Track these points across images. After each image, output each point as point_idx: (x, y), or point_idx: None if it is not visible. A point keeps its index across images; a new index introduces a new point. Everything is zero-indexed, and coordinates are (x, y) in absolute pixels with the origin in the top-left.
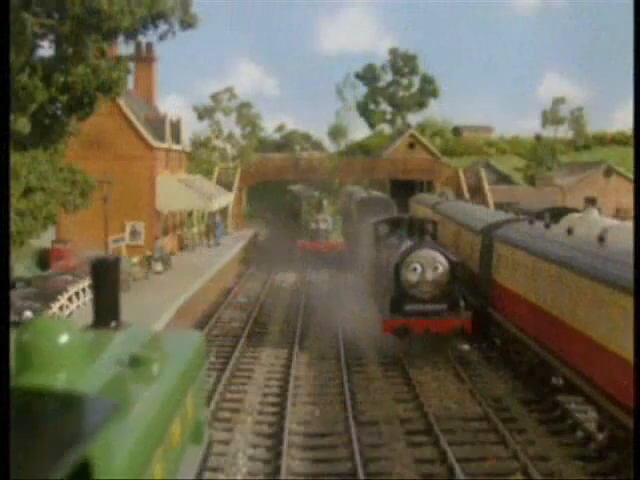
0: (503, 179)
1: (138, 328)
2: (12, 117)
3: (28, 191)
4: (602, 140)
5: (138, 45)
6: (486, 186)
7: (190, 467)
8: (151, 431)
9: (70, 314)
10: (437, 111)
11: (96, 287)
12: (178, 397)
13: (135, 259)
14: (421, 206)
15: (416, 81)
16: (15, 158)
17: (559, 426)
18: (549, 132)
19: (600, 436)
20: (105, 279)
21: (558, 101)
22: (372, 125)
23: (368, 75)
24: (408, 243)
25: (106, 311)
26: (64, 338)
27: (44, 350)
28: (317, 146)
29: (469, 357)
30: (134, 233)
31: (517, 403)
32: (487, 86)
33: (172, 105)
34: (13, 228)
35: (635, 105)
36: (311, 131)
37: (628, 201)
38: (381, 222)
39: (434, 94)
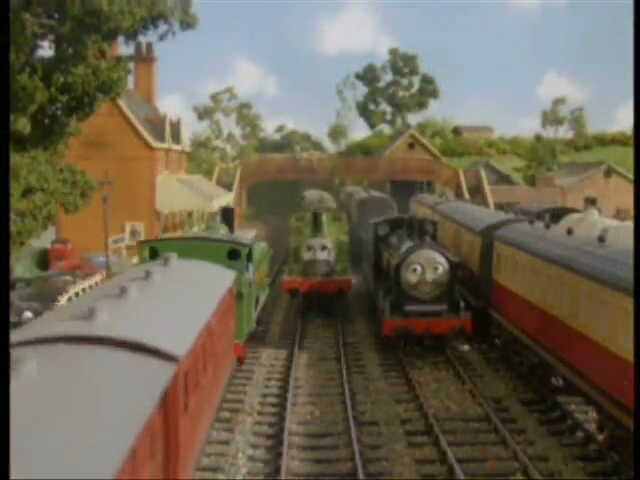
0: (503, 179)
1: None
2: (12, 117)
3: (28, 191)
4: (602, 140)
5: (138, 45)
6: (486, 186)
7: (260, 301)
8: (259, 256)
9: None
10: (437, 111)
11: (225, 219)
12: (261, 258)
13: (135, 259)
14: (421, 206)
15: (416, 81)
16: (15, 158)
17: (559, 426)
18: (549, 132)
19: (600, 436)
20: (228, 216)
21: (558, 101)
22: (372, 125)
23: (368, 75)
24: (408, 243)
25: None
26: (223, 230)
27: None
28: (317, 146)
29: (469, 357)
30: (134, 233)
31: (517, 403)
32: (487, 86)
33: (172, 105)
34: (13, 228)
35: (635, 105)
36: (311, 131)
37: (628, 201)
38: (381, 222)
39: (434, 94)
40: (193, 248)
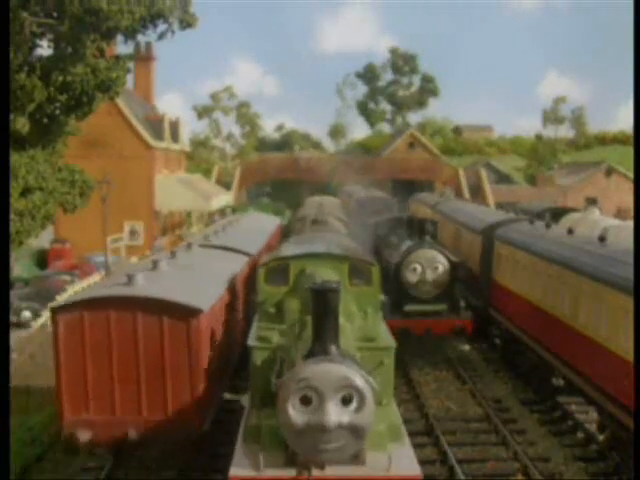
0: (503, 179)
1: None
2: (11, 117)
3: (26, 191)
4: (603, 139)
5: (137, 44)
6: (486, 186)
7: None
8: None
9: None
10: (437, 110)
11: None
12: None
13: (134, 259)
14: (421, 206)
15: (416, 80)
16: (13, 158)
17: (560, 427)
18: (550, 131)
19: (601, 437)
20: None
21: (559, 100)
22: (372, 124)
23: (368, 74)
24: (408, 243)
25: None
26: (266, 201)
27: None
28: (317, 145)
29: (469, 357)
30: (133, 233)
31: (518, 404)
32: (487, 85)
33: (171, 104)
34: (12, 228)
35: (635, 104)
36: (311, 130)
37: (629, 201)
38: (381, 222)
39: (434, 93)
40: (256, 208)
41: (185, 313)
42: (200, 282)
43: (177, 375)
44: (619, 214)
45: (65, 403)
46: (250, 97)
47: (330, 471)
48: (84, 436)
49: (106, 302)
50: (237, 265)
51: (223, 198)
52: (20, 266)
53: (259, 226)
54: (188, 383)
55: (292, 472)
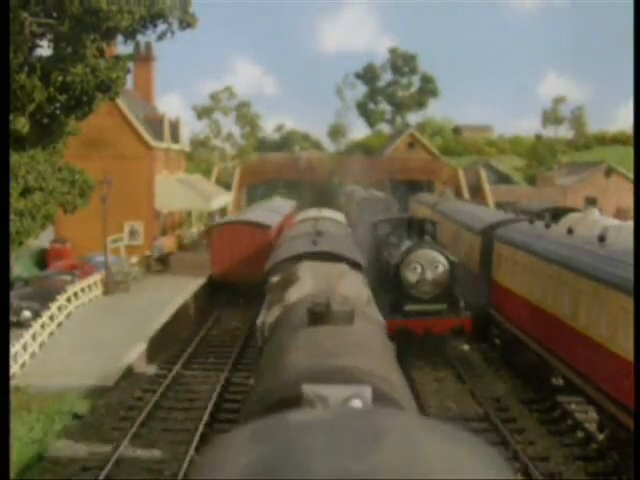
0: (503, 179)
1: None
2: (11, 117)
3: (26, 191)
4: (602, 139)
5: (137, 45)
6: (486, 186)
7: None
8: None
9: (69, 314)
10: (437, 110)
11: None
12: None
13: (134, 259)
14: (421, 206)
15: (416, 80)
16: (13, 158)
17: (559, 426)
18: (549, 132)
19: (600, 436)
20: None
21: (558, 100)
22: (372, 124)
23: (368, 75)
24: (408, 243)
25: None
26: (285, 189)
27: None
28: (316, 146)
29: (469, 357)
30: (133, 233)
31: (517, 403)
32: (487, 85)
33: (171, 104)
34: (12, 228)
35: (635, 104)
36: (310, 131)
37: (629, 201)
38: (381, 222)
39: (434, 93)
40: (277, 196)
41: (264, 227)
42: (268, 218)
43: (261, 255)
44: (618, 214)
45: (214, 266)
46: (250, 97)
47: None
48: (220, 277)
49: (233, 223)
50: (280, 216)
51: (223, 198)
52: (20, 266)
53: (284, 204)
54: (265, 259)
55: None
